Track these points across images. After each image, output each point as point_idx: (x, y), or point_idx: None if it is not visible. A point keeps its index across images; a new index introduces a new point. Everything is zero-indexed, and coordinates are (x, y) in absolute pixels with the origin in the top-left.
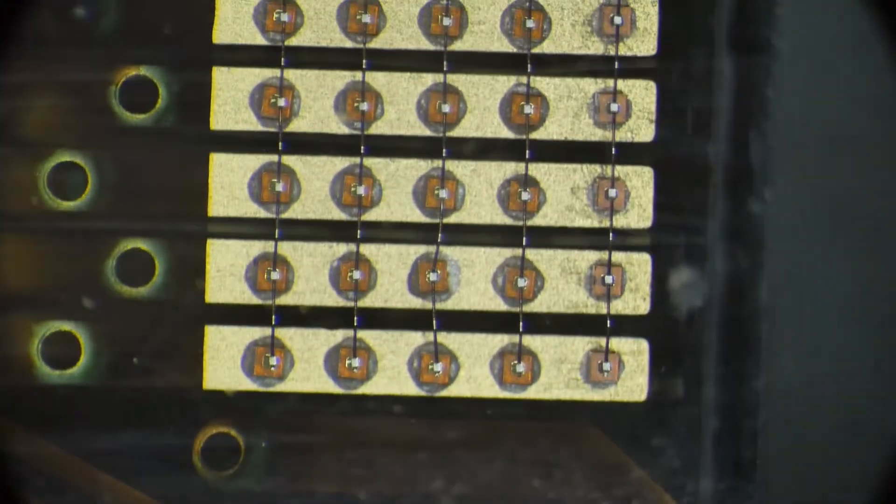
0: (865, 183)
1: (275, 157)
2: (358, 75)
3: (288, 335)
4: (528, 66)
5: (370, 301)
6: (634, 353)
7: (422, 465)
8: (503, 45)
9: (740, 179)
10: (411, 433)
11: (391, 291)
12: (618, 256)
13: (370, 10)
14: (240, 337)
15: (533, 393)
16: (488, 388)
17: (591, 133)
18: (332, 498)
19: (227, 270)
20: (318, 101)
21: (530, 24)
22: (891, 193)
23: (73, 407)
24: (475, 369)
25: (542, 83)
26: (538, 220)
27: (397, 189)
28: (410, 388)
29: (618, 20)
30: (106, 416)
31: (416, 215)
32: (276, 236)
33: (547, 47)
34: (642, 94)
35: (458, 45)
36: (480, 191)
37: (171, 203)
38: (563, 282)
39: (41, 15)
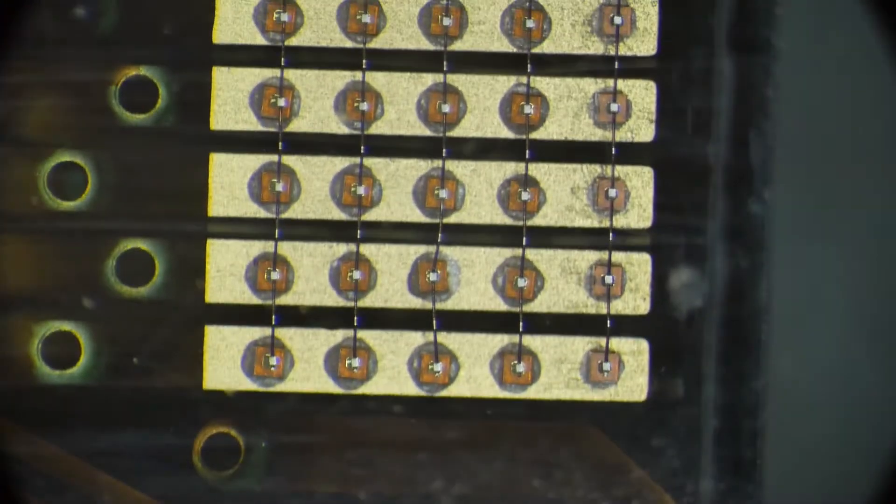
0: (865, 183)
1: (275, 157)
2: (358, 75)
3: (288, 335)
4: (528, 66)
5: (370, 301)
6: (634, 353)
7: (422, 465)
8: (503, 45)
9: (740, 179)
10: (411, 433)
11: (391, 291)
12: (618, 256)
13: (370, 10)
14: (240, 337)
15: (533, 393)
16: (488, 388)
17: (591, 133)
18: (332, 498)
19: (227, 270)
20: (318, 101)
21: (530, 24)
22: (891, 193)
23: (73, 407)
24: (475, 369)
25: (542, 83)
26: (538, 220)
27: (397, 189)
28: (410, 388)
29: (618, 20)
30: (106, 416)
31: (416, 215)
32: (276, 236)
33: (547, 47)
34: (642, 94)
35: (458, 45)
36: (480, 191)
37: (171, 203)
38: (563, 282)
39: (41, 15)
